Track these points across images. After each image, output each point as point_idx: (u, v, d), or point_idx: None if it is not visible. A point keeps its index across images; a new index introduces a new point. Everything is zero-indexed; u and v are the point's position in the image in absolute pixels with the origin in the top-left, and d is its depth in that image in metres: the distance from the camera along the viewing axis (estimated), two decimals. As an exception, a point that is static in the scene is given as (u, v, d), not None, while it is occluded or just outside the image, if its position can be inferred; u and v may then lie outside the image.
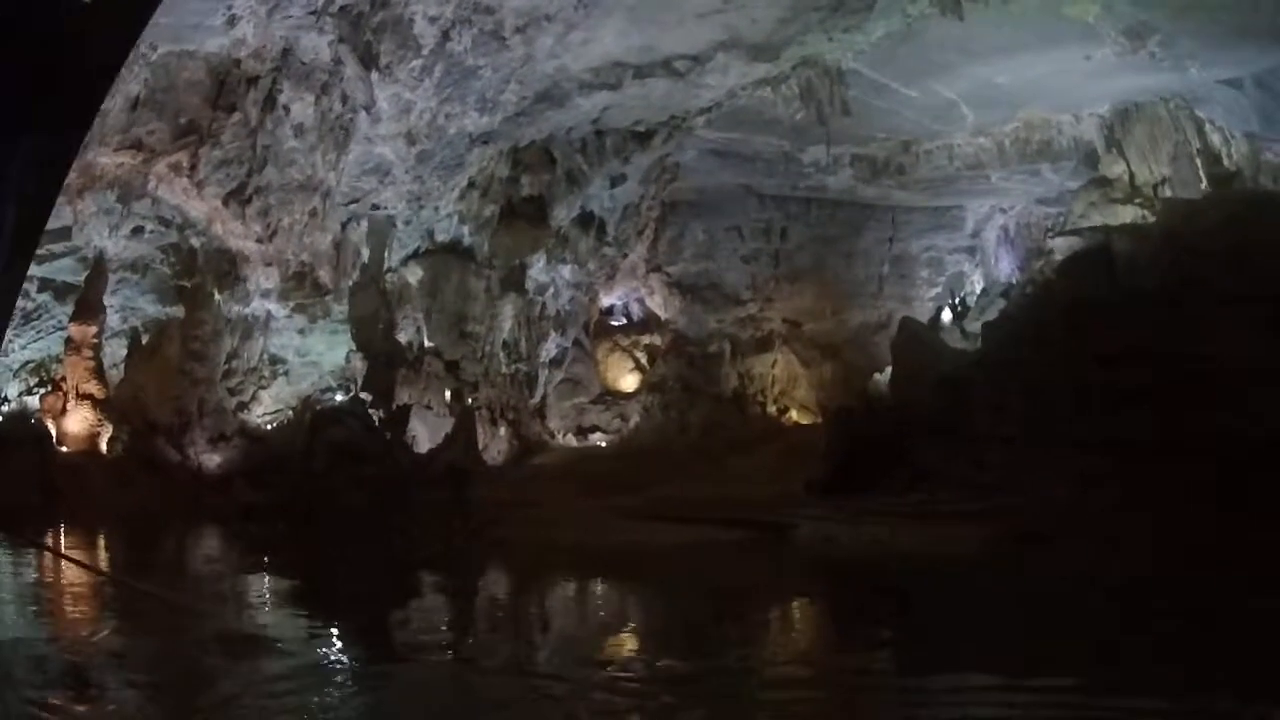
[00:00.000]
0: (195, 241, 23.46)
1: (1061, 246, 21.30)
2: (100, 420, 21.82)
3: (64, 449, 21.50)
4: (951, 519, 15.86)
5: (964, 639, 8.20)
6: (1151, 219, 21.22)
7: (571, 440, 27.51)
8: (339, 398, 24.22)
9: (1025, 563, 13.43)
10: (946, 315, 27.31)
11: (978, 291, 28.36)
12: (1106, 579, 11.29)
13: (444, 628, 9.48)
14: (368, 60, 19.73)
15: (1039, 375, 17.64)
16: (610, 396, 28.56)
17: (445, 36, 19.80)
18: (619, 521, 18.49)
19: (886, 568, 13.90)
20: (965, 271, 29.44)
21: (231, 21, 18.41)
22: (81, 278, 22.80)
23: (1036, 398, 17.49)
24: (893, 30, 19.58)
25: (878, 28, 19.57)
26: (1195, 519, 13.70)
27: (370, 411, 22.27)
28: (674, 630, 9.23)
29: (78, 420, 21.75)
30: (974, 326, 23.87)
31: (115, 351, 23.43)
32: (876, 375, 24.70)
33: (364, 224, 24.53)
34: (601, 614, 10.85)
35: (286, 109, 20.71)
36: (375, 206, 23.96)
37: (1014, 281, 27.53)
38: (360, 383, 23.90)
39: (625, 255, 28.36)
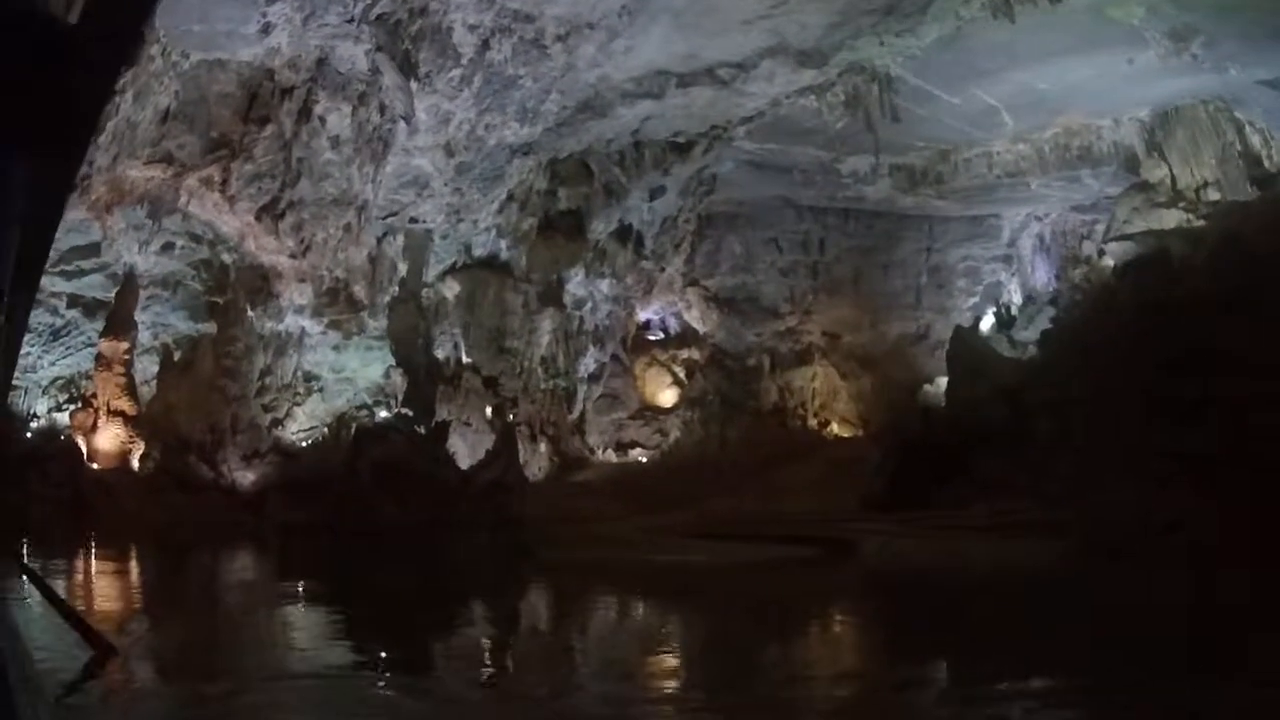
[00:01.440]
0: (227, 257, 22.61)
1: (1116, 252, 20.47)
2: (131, 437, 20.93)
3: (94, 465, 20.59)
4: (1024, 531, 15.01)
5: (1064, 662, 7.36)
6: (1198, 222, 20.42)
7: (611, 456, 26.57)
8: (383, 414, 23.33)
9: (1104, 577, 12.61)
10: (986, 324, 26.36)
11: (1015, 300, 27.48)
12: (1181, 595, 10.59)
13: (529, 666, 8.50)
14: (406, 69, 18.89)
15: (1104, 383, 16.74)
16: (649, 411, 27.63)
17: (485, 45, 18.99)
18: (677, 539, 17.52)
19: (968, 584, 13.01)
20: (1002, 280, 28.49)
21: (266, 29, 17.60)
22: (111, 294, 21.94)
23: (1102, 406, 16.62)
24: (944, 34, 18.71)
25: (931, 31, 18.73)
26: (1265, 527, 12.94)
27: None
28: (765, 661, 8.34)
29: (108, 437, 20.85)
30: (1022, 335, 23.03)
31: (146, 368, 22.53)
32: (926, 386, 23.85)
33: (400, 238, 23.66)
34: (682, 643, 9.84)
35: (322, 120, 19.86)
36: (413, 220, 23.09)
37: (1052, 289, 26.75)
38: (400, 399, 23.03)
39: (663, 269, 27.46)
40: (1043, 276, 27.59)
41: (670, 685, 7.37)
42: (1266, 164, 21.04)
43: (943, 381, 23.00)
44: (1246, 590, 10.45)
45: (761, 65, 19.94)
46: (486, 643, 9.64)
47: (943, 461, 18.19)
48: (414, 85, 19.23)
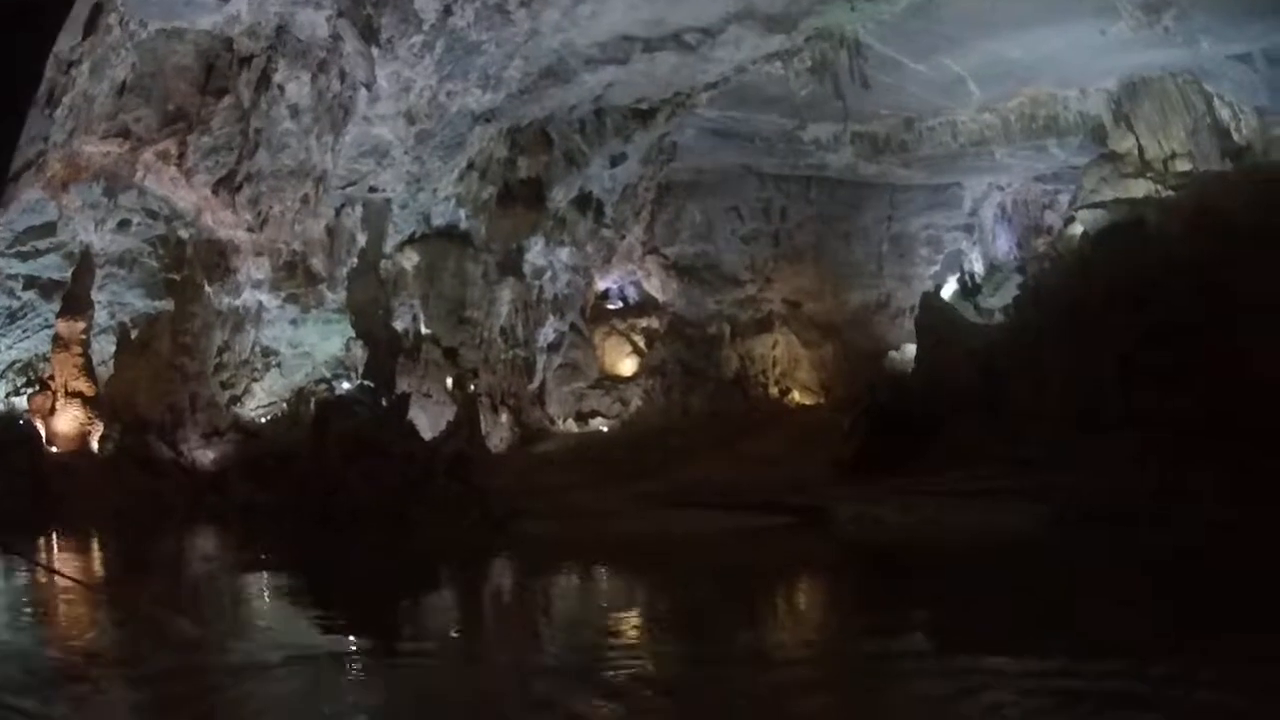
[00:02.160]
0: (184, 233, 21.77)
1: (1088, 220, 20.25)
2: (91, 419, 20.14)
3: (54, 449, 19.79)
4: (1003, 497, 14.77)
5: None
6: (1166, 193, 20.36)
7: (572, 426, 26.08)
8: (345, 385, 22.69)
9: (1089, 543, 12.42)
10: (947, 292, 26.15)
11: (977, 269, 27.31)
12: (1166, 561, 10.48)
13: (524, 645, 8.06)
14: (368, 35, 18.32)
15: (1079, 349, 16.56)
16: (609, 381, 27.15)
17: (447, 11, 18.43)
18: (651, 510, 17.17)
19: (951, 551, 12.77)
20: (963, 249, 28.21)
21: (226, -5, 16.99)
22: (68, 274, 21.09)
23: (1078, 372, 16.45)
24: (917, 0, 18.40)
25: (906, -4, 18.39)
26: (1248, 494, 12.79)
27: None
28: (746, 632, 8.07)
29: (67, 419, 20.04)
30: (989, 303, 22.86)
31: (104, 349, 21.62)
32: (892, 353, 23.60)
33: (358, 209, 22.98)
34: (665, 615, 9.45)
35: (281, 89, 19.20)
36: (373, 189, 22.42)
37: (1013, 258, 26.64)
38: (361, 371, 22.43)
39: (623, 237, 26.94)
40: (1004, 246, 27.45)
41: (647, 657, 7.12)
42: (1235, 137, 21.00)
43: (910, 349, 22.79)
44: (1231, 555, 10.34)
45: (728, 30, 19.47)
46: (478, 622, 9.28)
47: (914, 428, 17.95)
48: (375, 52, 18.63)
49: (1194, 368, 15.31)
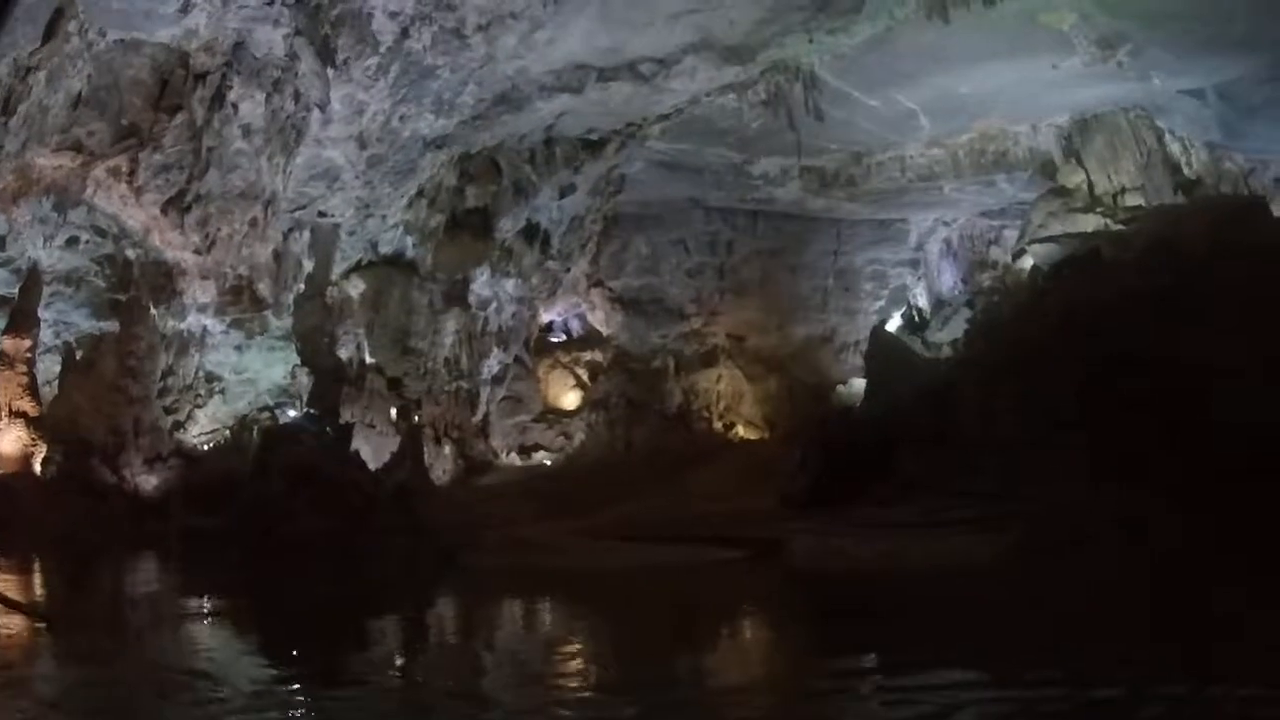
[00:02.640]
0: (131, 253, 21.24)
1: (1040, 254, 20.30)
2: (34, 440, 19.42)
3: (-3, 470, 19.16)
4: (961, 528, 14.61)
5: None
6: (1116, 226, 20.50)
7: (515, 459, 25.69)
8: (290, 413, 22.15)
9: (1045, 574, 12.30)
10: (891, 326, 26.22)
11: (922, 304, 27.38)
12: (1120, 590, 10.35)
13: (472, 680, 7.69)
14: (324, 55, 17.95)
15: (1035, 381, 16.45)
16: (552, 414, 26.83)
17: (404, 33, 18.14)
18: (600, 543, 16.84)
19: (906, 582, 12.56)
20: (908, 284, 28.32)
21: (185, 8, 16.62)
22: (13, 290, 20.44)
23: (1033, 404, 16.33)
24: (875, 33, 18.33)
25: (863, 30, 18.33)
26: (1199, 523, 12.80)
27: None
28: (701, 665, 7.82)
29: (10, 440, 19.30)
30: (936, 337, 22.84)
31: (48, 368, 21.05)
32: (840, 387, 23.49)
33: (306, 234, 22.49)
34: (616, 651, 9.12)
35: (235, 107, 18.73)
36: (322, 214, 21.96)
37: (958, 293, 26.74)
38: (306, 399, 21.89)
39: (568, 269, 26.69)
40: (949, 281, 27.55)
41: (598, 693, 6.77)
42: (1186, 171, 21.37)
43: (857, 383, 22.75)
44: (1184, 584, 10.21)
45: (684, 61, 19.34)
46: (423, 655, 8.87)
47: (864, 461, 17.74)
48: (330, 73, 18.26)
49: (1149, 399, 15.28)
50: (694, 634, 9.38)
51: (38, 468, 19.65)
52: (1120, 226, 20.45)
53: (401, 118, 20.00)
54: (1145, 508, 13.60)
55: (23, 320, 20.20)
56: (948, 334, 22.58)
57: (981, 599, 10.40)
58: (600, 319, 28.41)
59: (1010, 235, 26.53)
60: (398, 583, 14.17)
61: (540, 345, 28.18)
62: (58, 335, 21.54)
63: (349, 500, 17.48)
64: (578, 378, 27.95)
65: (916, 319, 25.87)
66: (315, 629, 9.71)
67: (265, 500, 17.49)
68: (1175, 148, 21.62)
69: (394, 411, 23.23)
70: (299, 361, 22.55)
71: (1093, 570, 11.79)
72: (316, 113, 19.18)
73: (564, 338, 29.00)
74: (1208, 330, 15.55)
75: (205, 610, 11.25)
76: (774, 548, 15.42)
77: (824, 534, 15.66)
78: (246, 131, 19.25)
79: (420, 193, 22.58)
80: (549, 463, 25.68)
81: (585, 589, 13.30)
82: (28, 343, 20.13)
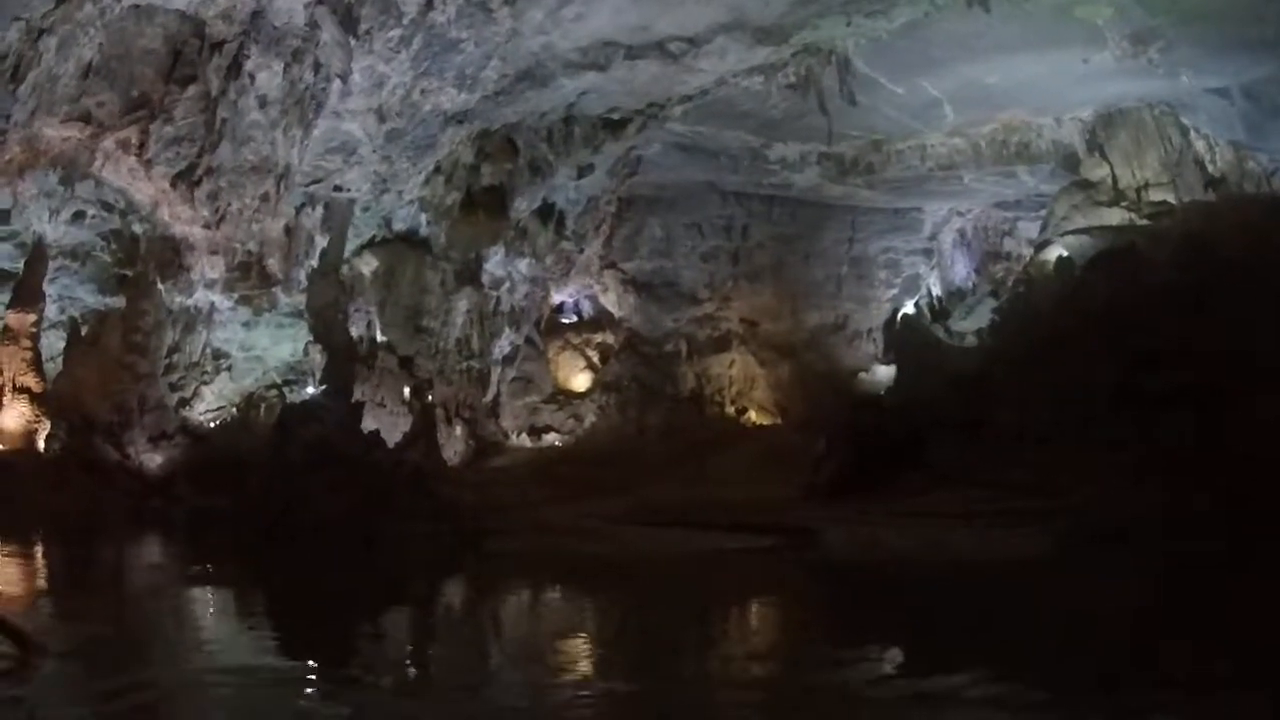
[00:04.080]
0: (138, 228, 20.46)
1: (1072, 245, 19.74)
2: (37, 416, 18.63)
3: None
4: (1003, 519, 14.01)
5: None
6: (1140, 221, 20.02)
7: (526, 440, 24.98)
8: (303, 391, 21.36)
9: (1104, 564, 11.76)
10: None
11: (934, 293, 26.80)
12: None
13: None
14: (347, 24, 17.04)
15: (1073, 373, 15.93)
16: (562, 396, 26.13)
17: (429, 5, 17.20)
18: (627, 528, 16.17)
19: (962, 574, 11.93)
20: (921, 273, 27.74)
21: (204, -27, 15.71)
22: (19, 264, 19.66)
23: (1071, 396, 15.82)
24: (914, 18, 17.62)
25: (902, 13, 17.57)
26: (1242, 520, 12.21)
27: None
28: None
29: (13, 416, 18.50)
30: (960, 326, 22.23)
31: (52, 344, 20.29)
32: (863, 375, 22.85)
33: (319, 209, 21.64)
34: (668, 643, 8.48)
35: (252, 77, 17.81)
36: (337, 188, 21.08)
37: (970, 284, 26.21)
38: (319, 377, 21.11)
39: (582, 250, 25.97)
40: (961, 271, 27.04)
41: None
42: (1210, 169, 20.87)
43: (880, 370, 22.18)
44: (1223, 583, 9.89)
45: (715, 41, 18.55)
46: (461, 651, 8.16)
47: (892, 451, 17.19)
48: (352, 43, 17.44)
49: (1190, 394, 14.80)
50: (751, 633, 8.81)
51: (41, 445, 18.89)
52: (1145, 221, 20.00)
53: (423, 91, 19.15)
54: (1188, 505, 13.21)
55: (28, 295, 19.44)
56: (972, 323, 21.97)
57: (1041, 596, 9.88)
58: (612, 301, 27.69)
59: (1025, 227, 26.05)
60: (426, 571, 13.44)
61: (550, 326, 27.48)
62: (63, 311, 20.83)
63: (368, 481, 16.70)
64: (588, 359, 27.25)
65: (938, 307, 25.25)
66: (358, 629, 8.97)
67: (281, 480, 16.68)
68: (1200, 145, 21.12)
69: (407, 391, 22.45)
70: (311, 339, 21.74)
71: (1140, 568, 11.33)
72: (336, 84, 18.32)
73: (574, 319, 28.26)
74: (1248, 326, 15.13)
75: (232, 613, 10.48)
76: (805, 537, 14.86)
77: (858, 524, 15.13)
78: (263, 103, 18.39)
79: (438, 169, 21.76)
80: (559, 445, 25.01)
81: (620, 578, 12.62)
82: (32, 318, 19.38)
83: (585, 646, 8.05)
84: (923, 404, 17.68)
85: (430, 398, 22.53)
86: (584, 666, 7.17)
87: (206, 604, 10.24)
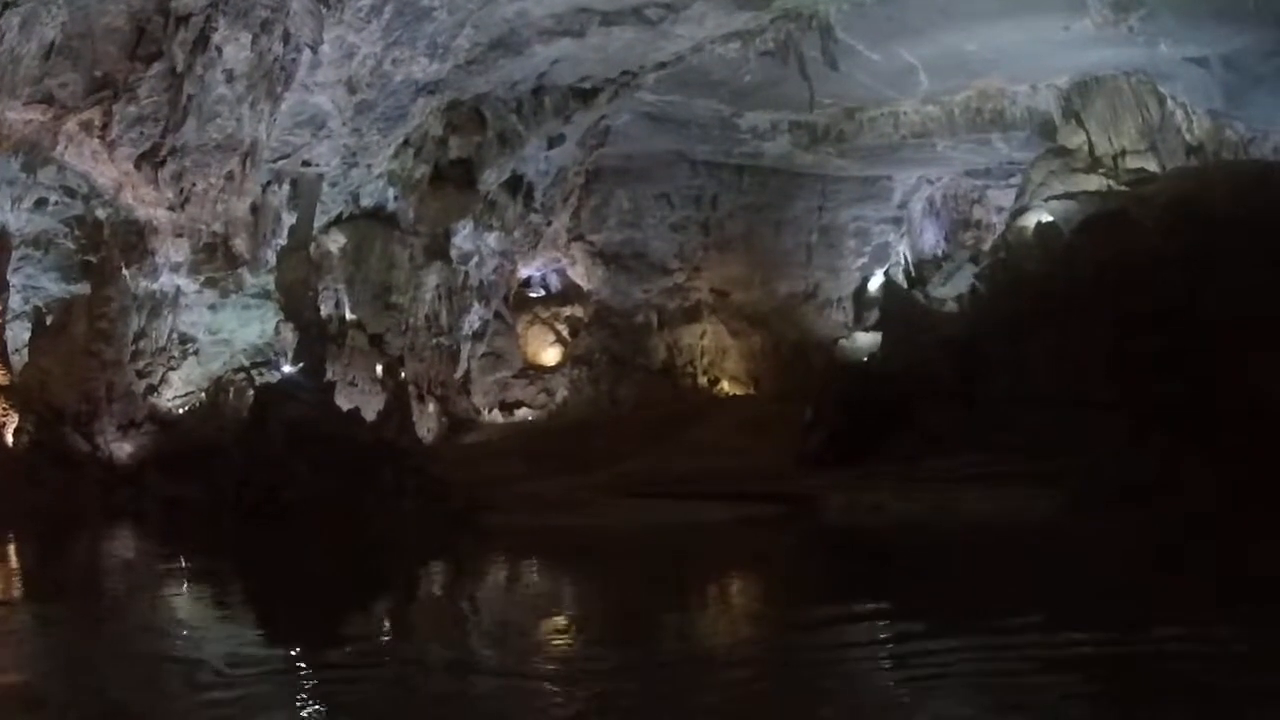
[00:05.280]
0: (101, 213, 19.58)
1: (1059, 210, 19.62)
2: (5, 409, 17.80)
3: (-33, 441, 17.54)
4: (1006, 481, 13.83)
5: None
6: (1119, 187, 20.00)
7: (498, 416, 24.55)
8: (273, 372, 20.62)
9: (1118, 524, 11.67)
10: (874, 284, 25.51)
11: (903, 261, 26.67)
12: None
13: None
14: (319, -8, 16.52)
15: (1066, 336, 15.81)
16: (533, 370, 25.73)
17: (401, -28, 16.74)
18: (623, 500, 15.82)
19: (978, 537, 11.72)
20: (890, 242, 27.54)
21: (168, -58, 14.99)
22: (-19, 255, 18.94)
23: (1065, 359, 15.69)
24: (903, -20, 17.39)
25: (891, -24, 17.34)
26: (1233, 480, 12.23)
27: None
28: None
29: (-20, 410, 17.80)
30: (939, 292, 22.05)
31: (17, 335, 19.54)
32: (843, 342, 22.59)
33: (285, 187, 20.94)
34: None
35: (220, 50, 17.06)
36: (306, 163, 20.37)
37: (940, 252, 26.14)
38: (291, 356, 20.46)
39: (550, 223, 25.47)
40: (931, 239, 27.02)
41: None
42: (1188, 138, 20.94)
43: (861, 338, 21.88)
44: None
45: (694, 6, 18.09)
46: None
47: (883, 417, 16.99)
48: (323, 11, 16.82)
49: (1182, 356, 14.73)
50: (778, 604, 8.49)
51: (9, 438, 18.11)
52: (1123, 188, 19.95)
53: (394, 61, 18.52)
54: (1183, 465, 13.14)
55: (-9, 284, 18.68)
56: (951, 289, 21.78)
57: (1057, 555, 9.85)
58: (581, 274, 27.24)
59: (995, 195, 26.06)
60: (428, 549, 12.99)
61: (519, 300, 27.02)
62: (26, 301, 20.05)
63: (352, 459, 16.15)
64: (558, 333, 26.85)
65: (914, 274, 25.11)
66: (382, 616, 8.56)
67: (263, 462, 16.08)
68: (1178, 114, 21.14)
69: (379, 368, 21.88)
70: (283, 317, 21.05)
71: (1144, 527, 11.34)
72: (305, 55, 17.65)
73: (543, 293, 27.83)
74: (1240, 287, 15.07)
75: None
76: (805, 504, 14.61)
77: (859, 489, 14.90)
78: (230, 77, 17.62)
79: (407, 142, 21.14)
80: (532, 419, 24.61)
81: (628, 550, 12.35)
82: (-3, 307, 18.63)
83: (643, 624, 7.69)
84: (911, 369, 17.49)
85: (403, 375, 21.98)
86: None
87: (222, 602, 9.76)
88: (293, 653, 6.79)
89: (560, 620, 8.21)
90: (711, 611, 8.46)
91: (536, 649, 6.96)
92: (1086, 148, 21.36)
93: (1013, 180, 24.52)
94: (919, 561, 10.17)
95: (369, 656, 6.59)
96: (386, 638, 7.68)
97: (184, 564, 12.12)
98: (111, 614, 8.47)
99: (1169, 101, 21.09)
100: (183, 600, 9.49)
